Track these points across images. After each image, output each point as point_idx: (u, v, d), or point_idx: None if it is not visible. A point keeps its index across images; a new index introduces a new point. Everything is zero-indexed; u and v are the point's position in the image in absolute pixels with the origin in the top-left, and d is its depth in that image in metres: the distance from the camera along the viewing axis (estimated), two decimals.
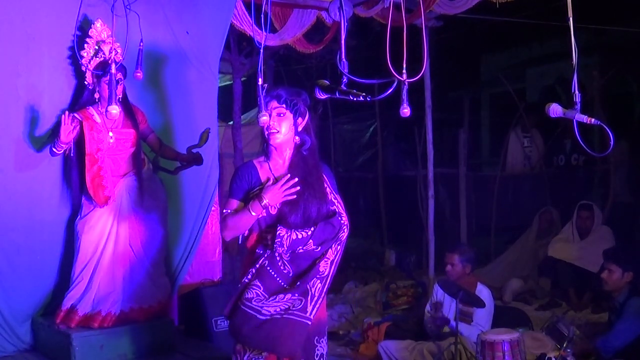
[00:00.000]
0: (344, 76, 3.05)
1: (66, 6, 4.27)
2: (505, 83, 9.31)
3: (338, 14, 4.85)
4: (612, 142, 2.84)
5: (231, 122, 7.87)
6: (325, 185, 3.24)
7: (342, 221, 3.22)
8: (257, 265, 3.17)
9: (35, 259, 4.38)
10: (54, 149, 4.16)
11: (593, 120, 2.83)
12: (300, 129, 3.22)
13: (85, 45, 4.30)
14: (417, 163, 8.92)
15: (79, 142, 4.25)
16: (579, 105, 2.84)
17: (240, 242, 3.29)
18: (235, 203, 3.19)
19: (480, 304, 4.78)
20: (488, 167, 11.12)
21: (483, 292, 5.01)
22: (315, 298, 3.11)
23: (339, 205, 3.26)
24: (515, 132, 9.10)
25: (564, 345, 4.34)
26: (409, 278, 7.64)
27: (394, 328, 5.51)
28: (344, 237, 3.23)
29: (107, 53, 4.24)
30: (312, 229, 3.13)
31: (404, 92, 3.16)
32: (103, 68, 4.21)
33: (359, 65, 3.71)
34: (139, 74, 4.35)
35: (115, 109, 3.68)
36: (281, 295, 3.09)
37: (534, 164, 8.90)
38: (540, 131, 9.10)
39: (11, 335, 4.34)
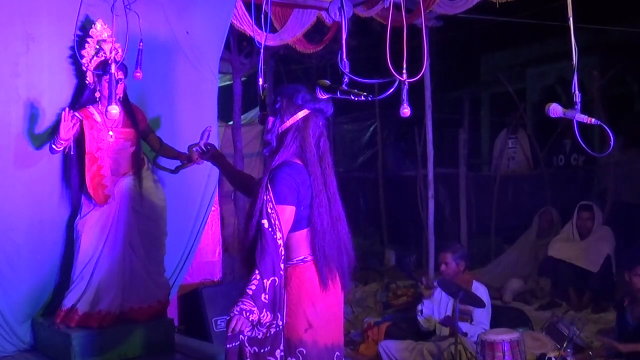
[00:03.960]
0: (345, 76, 3.05)
1: (66, 6, 4.27)
2: (505, 83, 9.31)
3: (338, 14, 4.86)
4: (612, 142, 2.84)
5: (231, 122, 7.87)
6: (262, 196, 2.89)
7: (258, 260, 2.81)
8: None
9: (35, 259, 4.38)
10: (53, 146, 4.17)
11: (593, 120, 2.83)
12: (268, 127, 3.05)
13: (86, 44, 4.30)
14: (417, 163, 8.93)
15: (79, 141, 4.26)
16: (579, 105, 2.84)
17: None
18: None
19: (480, 303, 4.78)
20: (488, 167, 11.12)
21: (479, 289, 5.01)
22: None
23: (266, 223, 2.84)
24: (502, 133, 9.19)
25: (564, 345, 4.34)
26: (409, 278, 7.63)
27: (394, 328, 5.51)
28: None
29: (107, 52, 4.24)
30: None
31: (404, 92, 3.17)
32: (104, 67, 4.21)
33: (359, 65, 3.71)
34: (138, 74, 4.35)
35: (115, 109, 3.69)
36: None
37: (531, 166, 8.93)
38: (526, 133, 9.17)
39: (11, 335, 4.34)
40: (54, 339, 4.22)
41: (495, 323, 5.07)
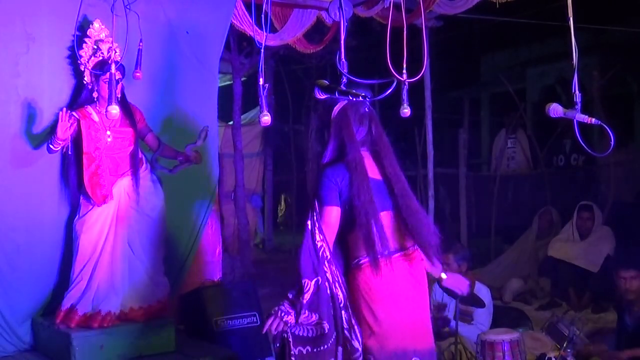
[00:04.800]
0: (343, 76, 3.05)
1: (66, 6, 4.27)
2: (505, 83, 9.31)
3: (338, 14, 4.85)
4: (612, 142, 2.83)
5: (231, 122, 7.87)
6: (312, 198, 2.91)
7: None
8: None
9: (35, 259, 4.39)
10: (50, 146, 4.17)
11: (593, 120, 2.83)
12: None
13: (84, 44, 4.31)
14: (417, 163, 8.92)
15: (77, 140, 4.26)
16: (579, 105, 2.84)
17: None
18: None
19: (480, 304, 4.78)
20: (488, 167, 11.13)
21: (482, 290, 5.00)
22: None
23: (309, 224, 2.84)
24: (501, 133, 9.20)
25: (564, 345, 4.34)
26: None
27: None
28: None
29: (105, 52, 4.25)
30: None
31: (404, 92, 3.17)
32: (101, 67, 4.21)
33: (359, 65, 3.72)
34: (138, 74, 4.36)
35: (115, 109, 3.69)
36: None
37: (531, 166, 8.93)
38: (525, 133, 9.17)
39: (11, 335, 4.34)
40: (54, 339, 4.22)
41: (495, 323, 5.06)
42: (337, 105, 2.96)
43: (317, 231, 2.81)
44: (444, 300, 5.04)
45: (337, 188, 2.85)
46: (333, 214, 2.84)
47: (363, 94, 2.91)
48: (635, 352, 4.35)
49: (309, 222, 2.83)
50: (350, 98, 2.94)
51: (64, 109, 4.11)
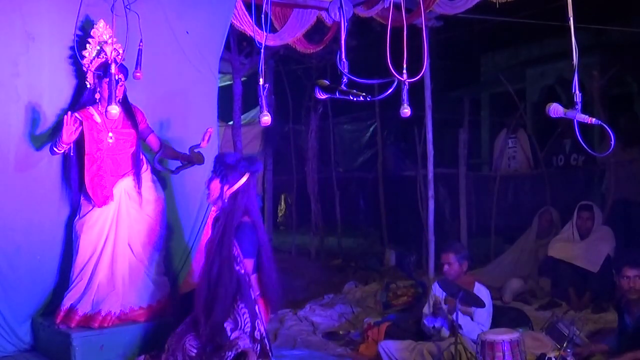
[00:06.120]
0: (344, 76, 3.06)
1: (66, 6, 4.27)
2: (505, 83, 9.31)
3: (338, 14, 4.86)
4: (612, 142, 2.84)
5: (231, 122, 7.87)
6: (233, 250, 3.65)
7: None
8: None
9: (35, 259, 4.39)
10: (54, 148, 4.17)
11: (594, 120, 2.83)
12: (226, 195, 3.73)
13: (88, 45, 4.31)
14: (417, 163, 8.91)
15: (79, 141, 4.26)
16: (579, 105, 2.84)
17: None
18: None
19: (480, 303, 4.78)
20: (488, 167, 11.13)
21: (481, 291, 5.00)
22: None
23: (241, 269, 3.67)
24: (501, 133, 9.19)
25: (564, 345, 4.33)
26: (409, 278, 7.61)
27: (394, 328, 5.49)
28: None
29: (109, 54, 4.24)
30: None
31: (404, 92, 3.17)
32: (105, 69, 4.21)
33: (359, 65, 3.72)
34: (138, 74, 4.36)
35: (115, 109, 3.69)
36: None
37: (531, 166, 8.93)
38: (526, 133, 9.17)
39: (11, 335, 4.34)
40: (54, 339, 4.22)
41: (495, 323, 5.05)
42: (244, 177, 3.75)
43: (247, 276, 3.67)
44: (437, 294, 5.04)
45: (258, 243, 3.74)
46: (252, 263, 3.74)
47: (364, 94, 2.91)
48: (637, 354, 4.34)
49: (238, 268, 3.65)
50: (351, 98, 2.95)
51: (69, 113, 4.11)
